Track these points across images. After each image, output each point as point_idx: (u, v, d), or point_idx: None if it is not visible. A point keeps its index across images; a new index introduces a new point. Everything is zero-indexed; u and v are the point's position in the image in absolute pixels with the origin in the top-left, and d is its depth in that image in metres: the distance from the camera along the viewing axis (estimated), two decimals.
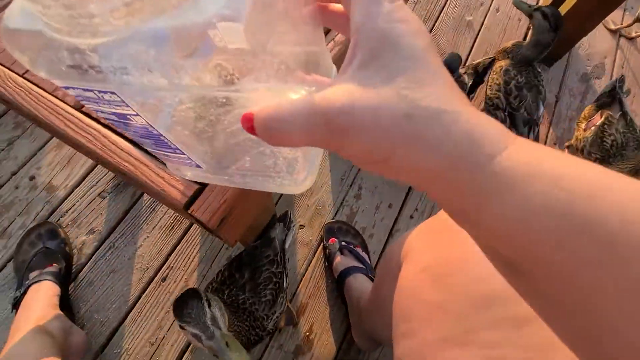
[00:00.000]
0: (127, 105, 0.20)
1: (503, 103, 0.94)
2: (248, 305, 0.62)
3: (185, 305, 0.45)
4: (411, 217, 0.96)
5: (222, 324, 0.45)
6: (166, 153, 0.26)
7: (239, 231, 0.42)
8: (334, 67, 0.28)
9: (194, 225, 0.90)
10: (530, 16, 0.91)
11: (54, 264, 0.76)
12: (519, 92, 0.92)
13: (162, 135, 0.23)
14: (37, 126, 0.39)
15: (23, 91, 0.35)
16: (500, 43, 1.25)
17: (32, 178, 0.90)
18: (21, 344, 0.59)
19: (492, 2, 1.34)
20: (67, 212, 0.88)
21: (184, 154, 0.26)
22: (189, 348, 0.78)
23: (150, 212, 0.90)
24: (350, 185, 0.99)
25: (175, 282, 0.84)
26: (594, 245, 0.12)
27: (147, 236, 0.88)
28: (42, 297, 0.69)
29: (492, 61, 1.00)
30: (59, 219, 0.87)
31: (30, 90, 0.35)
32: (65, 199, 0.89)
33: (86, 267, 0.83)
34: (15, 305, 0.70)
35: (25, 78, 0.36)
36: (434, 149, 0.15)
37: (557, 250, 0.13)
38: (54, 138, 0.95)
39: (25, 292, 0.71)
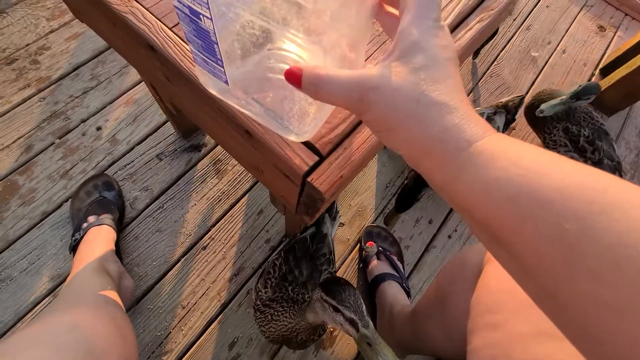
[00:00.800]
0: (208, 8, 0.23)
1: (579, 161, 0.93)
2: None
3: (342, 290, 0.45)
4: (449, 237, 0.97)
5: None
6: (207, 59, 0.29)
7: (320, 211, 0.44)
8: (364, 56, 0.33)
9: (239, 203, 0.92)
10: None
11: (109, 214, 0.80)
12: (594, 146, 0.90)
13: (216, 42, 0.26)
14: (172, 81, 0.42)
15: (171, 42, 0.38)
16: (562, 83, 1.25)
17: (98, 128, 0.95)
18: (85, 278, 0.62)
19: (559, 42, 1.34)
20: (125, 166, 0.92)
21: (222, 67, 0.29)
22: (217, 319, 0.80)
23: (201, 182, 0.93)
24: (394, 194, 1.00)
25: (214, 252, 0.86)
26: (548, 220, 0.15)
27: (195, 204, 0.91)
28: (103, 239, 0.73)
29: (522, 100, 0.97)
30: (117, 172, 0.91)
31: (177, 42, 0.38)
32: (126, 154, 0.93)
33: (135, 222, 0.87)
34: (74, 247, 0.74)
35: (173, 31, 0.39)
36: (428, 128, 0.19)
37: (522, 223, 0.16)
38: (125, 95, 1.00)
39: (83, 236, 0.75)
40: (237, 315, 0.81)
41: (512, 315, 0.32)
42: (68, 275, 0.75)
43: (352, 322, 0.44)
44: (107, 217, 0.78)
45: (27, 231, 0.82)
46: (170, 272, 0.83)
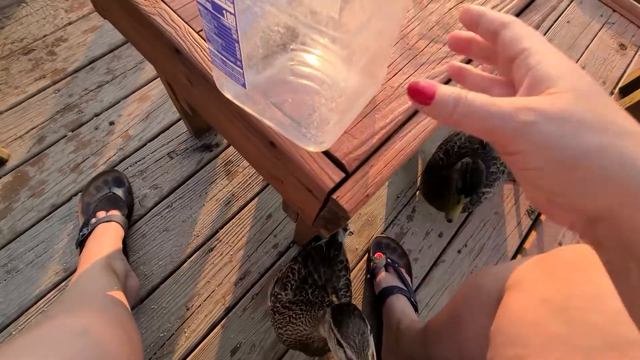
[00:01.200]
0: (232, 2, 0.22)
1: None
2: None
3: (351, 323, 0.43)
4: (459, 251, 0.95)
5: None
6: (225, 60, 0.28)
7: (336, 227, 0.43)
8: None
9: (248, 205, 0.91)
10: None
11: (118, 210, 0.79)
12: None
13: (237, 41, 0.25)
14: (194, 85, 0.41)
15: (198, 46, 0.37)
16: None
17: (111, 123, 0.95)
18: (92, 276, 0.61)
19: (579, 59, 1.32)
20: (136, 162, 0.91)
21: (241, 69, 0.27)
22: (221, 323, 0.79)
23: (211, 184, 0.92)
24: (405, 205, 0.98)
25: (221, 255, 0.85)
26: None
27: (204, 204, 0.90)
28: (111, 237, 0.72)
29: None
30: (127, 167, 0.90)
31: (204, 46, 0.37)
32: (137, 150, 0.93)
33: (142, 220, 0.86)
34: (81, 242, 0.73)
35: (200, 35, 0.38)
36: (628, 165, 0.15)
37: None
38: (139, 91, 1.00)
39: (91, 232, 0.74)
40: (241, 320, 0.80)
41: (536, 351, 0.30)
42: (74, 270, 0.74)
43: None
44: (115, 214, 0.78)
45: (35, 223, 0.82)
46: (176, 273, 0.82)
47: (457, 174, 0.72)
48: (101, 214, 0.77)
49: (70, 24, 1.05)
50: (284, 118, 0.31)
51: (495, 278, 0.42)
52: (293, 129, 0.31)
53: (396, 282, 0.82)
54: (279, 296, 0.63)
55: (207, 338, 0.77)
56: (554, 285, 0.34)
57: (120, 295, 0.59)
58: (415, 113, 0.38)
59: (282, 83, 0.30)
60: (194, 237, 0.86)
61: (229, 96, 0.34)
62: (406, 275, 0.85)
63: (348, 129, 0.35)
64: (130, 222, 0.84)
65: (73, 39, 1.03)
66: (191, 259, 0.84)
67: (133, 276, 0.74)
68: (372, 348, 0.42)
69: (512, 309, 0.36)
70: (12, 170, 0.86)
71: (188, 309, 0.79)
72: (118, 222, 0.77)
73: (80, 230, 0.76)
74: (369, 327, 0.44)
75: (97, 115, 0.95)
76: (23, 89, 0.94)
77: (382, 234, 0.93)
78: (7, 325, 0.73)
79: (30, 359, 0.31)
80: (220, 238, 0.87)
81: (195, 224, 0.87)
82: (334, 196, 0.33)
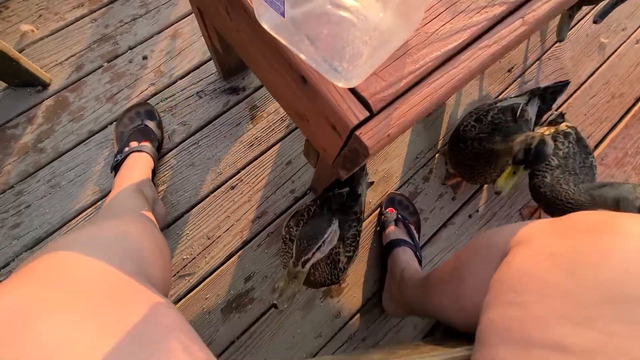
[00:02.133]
0: None
1: None
2: (334, 253, 0.66)
3: (315, 231, 0.49)
4: (470, 216, 0.97)
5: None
6: None
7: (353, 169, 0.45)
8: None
9: (270, 150, 0.95)
10: None
11: (149, 142, 0.84)
12: None
13: None
14: (232, 16, 0.42)
15: None
16: (627, 77, 1.15)
17: (144, 57, 0.97)
18: (125, 197, 0.68)
19: (635, 30, 1.21)
20: (167, 98, 0.95)
21: None
22: (238, 254, 0.86)
23: (236, 126, 0.96)
24: (422, 166, 0.99)
25: (241, 193, 0.91)
26: None
27: (228, 145, 0.94)
28: (142, 165, 0.78)
29: (564, 86, 0.87)
30: (158, 102, 0.94)
31: None
32: (168, 87, 0.96)
33: (171, 153, 0.91)
34: (116, 167, 0.79)
35: None
36: None
37: None
38: (172, 27, 1.00)
39: (124, 159, 0.80)
40: (255, 253, 0.87)
41: (535, 300, 0.32)
42: (109, 192, 0.82)
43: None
44: (147, 145, 0.83)
45: (75, 146, 0.88)
46: (200, 205, 0.89)
47: (521, 145, 0.65)
48: (133, 144, 0.83)
49: None
50: (317, 51, 0.32)
51: (505, 235, 0.44)
52: (325, 62, 0.33)
53: (404, 236, 0.86)
54: (291, 230, 0.68)
55: (224, 265, 0.85)
56: (563, 242, 0.35)
57: (150, 215, 0.65)
58: (445, 61, 0.39)
59: (319, 14, 0.31)
60: (218, 175, 0.91)
61: (266, 27, 0.35)
62: (414, 232, 0.89)
63: (377, 70, 0.36)
64: (159, 155, 0.89)
65: None
66: (214, 194, 0.90)
67: (160, 204, 0.81)
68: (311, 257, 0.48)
69: (516, 261, 0.38)
70: (54, 94, 0.91)
71: (209, 239, 0.87)
72: (148, 153, 0.82)
73: (115, 157, 0.82)
74: (328, 233, 0.49)
75: (131, 48, 0.97)
76: (62, 16, 0.97)
77: (396, 190, 0.95)
78: (52, 233, 0.83)
79: (84, 251, 0.36)
80: (242, 178, 0.92)
81: (219, 163, 0.92)
82: (357, 132, 0.35)
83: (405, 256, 0.81)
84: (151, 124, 0.87)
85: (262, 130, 0.96)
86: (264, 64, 0.44)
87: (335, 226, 0.51)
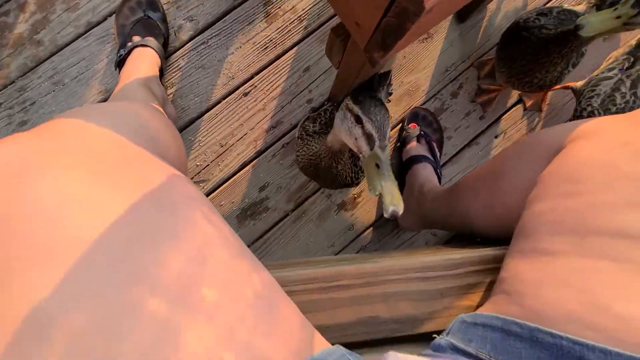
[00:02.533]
0: None
1: None
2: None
3: (373, 104, 0.39)
4: (496, 136, 0.91)
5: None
6: None
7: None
8: None
9: (286, 55, 0.86)
10: None
11: (153, 37, 0.76)
12: None
13: None
14: None
15: None
16: None
17: None
18: (133, 88, 0.63)
19: None
20: None
21: None
22: (252, 163, 0.84)
23: (249, 24, 0.85)
24: (452, 80, 0.91)
25: (255, 101, 0.85)
26: None
27: (240, 46, 0.85)
28: (148, 60, 0.71)
29: None
30: None
31: None
32: None
33: (178, 52, 0.83)
34: (120, 63, 0.73)
35: None
36: None
37: None
38: None
39: (128, 54, 0.73)
40: (270, 164, 0.85)
41: (599, 188, 0.29)
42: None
43: (370, 138, 0.39)
44: (151, 40, 0.75)
45: (74, 40, 0.81)
46: (212, 111, 0.84)
47: None
48: (136, 39, 0.75)
49: None
50: None
51: (560, 131, 0.40)
52: None
53: (425, 153, 0.82)
54: (307, 127, 0.64)
55: (238, 174, 0.84)
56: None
57: (161, 110, 0.61)
58: None
59: None
60: (230, 79, 0.84)
61: None
62: (437, 149, 0.84)
63: None
64: (166, 54, 0.82)
65: None
66: (226, 100, 0.84)
67: (170, 105, 0.76)
68: (388, 128, 0.39)
69: (577, 153, 0.34)
70: None
71: (222, 146, 0.84)
72: (154, 49, 0.74)
73: (118, 52, 0.75)
74: (388, 112, 0.40)
75: None
76: None
77: (421, 105, 0.89)
78: None
79: (98, 119, 0.32)
80: (256, 84, 0.85)
81: (231, 66, 0.84)
82: None
83: (425, 171, 0.78)
84: (154, 16, 0.78)
85: (277, 31, 0.86)
86: None
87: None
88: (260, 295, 0.26)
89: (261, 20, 0.86)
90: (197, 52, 0.84)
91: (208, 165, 0.83)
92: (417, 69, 0.90)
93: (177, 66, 0.83)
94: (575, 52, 0.62)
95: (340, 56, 0.61)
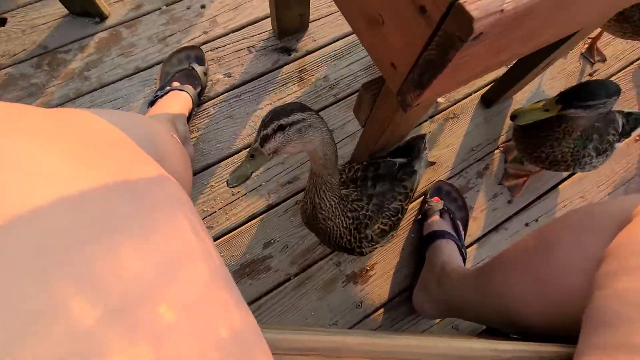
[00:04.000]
0: None
1: None
2: (362, 216, 0.58)
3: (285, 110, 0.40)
4: (527, 224, 0.84)
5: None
6: None
7: (441, 89, 0.37)
8: None
9: None
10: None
11: (192, 85, 0.80)
12: None
13: None
14: None
15: None
16: None
17: (203, 6, 0.95)
18: (155, 120, 0.63)
19: None
20: (217, 48, 0.91)
21: None
22: (261, 216, 0.79)
23: (282, 85, 0.90)
24: (478, 160, 0.88)
25: None
26: None
27: (271, 103, 0.88)
28: (180, 102, 0.74)
29: None
30: (208, 51, 0.91)
31: None
32: (220, 37, 0.93)
33: (211, 102, 0.87)
34: (153, 102, 0.76)
35: None
36: None
37: None
38: None
39: (163, 95, 0.76)
40: (280, 219, 0.79)
41: None
42: None
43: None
44: (189, 87, 0.79)
45: (119, 79, 0.86)
46: (230, 159, 0.83)
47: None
48: (176, 84, 0.79)
49: None
50: None
51: (621, 204, 0.34)
52: None
53: (448, 229, 0.75)
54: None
55: (245, 225, 0.78)
56: None
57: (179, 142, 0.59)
58: None
59: None
60: (254, 130, 0.85)
61: None
62: (461, 228, 0.77)
63: None
64: (200, 101, 0.85)
65: None
66: (247, 149, 0.84)
67: (190, 144, 0.76)
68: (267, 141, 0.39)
69: None
70: (109, 28, 0.90)
71: (233, 194, 0.80)
72: (189, 94, 0.78)
73: (155, 93, 0.79)
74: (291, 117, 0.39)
75: None
76: None
77: (445, 180, 0.85)
78: None
79: (100, 114, 0.30)
80: None
81: (258, 119, 0.86)
82: (461, 1, 0.26)
83: (448, 248, 0.70)
84: (198, 69, 0.84)
85: (307, 95, 0.90)
86: None
87: (313, 119, 0.41)
88: (235, 337, 0.19)
89: (294, 84, 0.90)
90: (229, 103, 0.87)
91: (215, 212, 0.78)
92: (441, 145, 0.89)
93: (207, 113, 0.86)
94: (576, 131, 0.62)
95: (368, 111, 0.60)
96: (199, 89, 0.82)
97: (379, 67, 0.43)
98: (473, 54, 0.31)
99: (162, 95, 0.77)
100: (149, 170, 0.24)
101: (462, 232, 0.78)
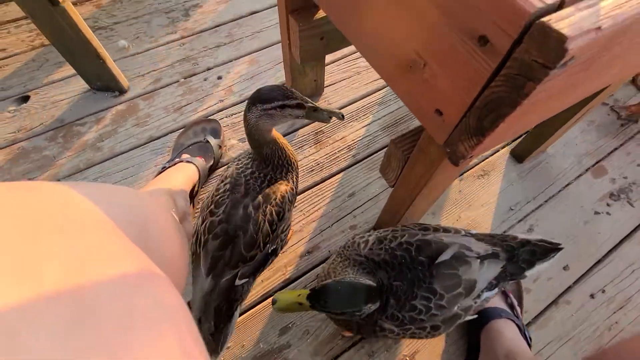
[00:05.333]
0: None
1: None
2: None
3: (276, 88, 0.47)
4: (592, 296, 0.70)
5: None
6: None
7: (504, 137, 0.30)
8: None
9: (332, 179, 0.82)
10: None
11: (204, 159, 0.77)
12: None
13: None
14: None
15: None
16: None
17: (219, 77, 0.97)
18: (149, 196, 0.56)
19: None
20: (232, 115, 0.91)
21: None
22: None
23: (298, 148, 0.86)
24: (519, 221, 0.78)
25: (293, 221, 0.76)
26: None
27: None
28: (183, 176, 0.69)
29: (552, 250, 0.52)
30: (223, 118, 0.90)
31: None
32: (236, 104, 0.92)
33: (224, 168, 0.82)
34: (159, 174, 0.72)
35: None
36: None
37: None
38: (250, 55, 1.02)
39: (171, 166, 0.72)
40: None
41: None
42: None
43: (299, 105, 0.47)
44: (199, 160, 0.75)
45: (132, 149, 0.84)
46: None
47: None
48: (185, 156, 0.75)
49: None
50: None
51: None
52: None
53: (503, 306, 0.62)
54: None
55: (258, 306, 0.67)
56: None
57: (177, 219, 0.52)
58: None
59: None
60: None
61: None
62: (515, 303, 0.64)
63: None
64: (211, 175, 0.81)
65: (207, 6, 1.12)
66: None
67: (189, 222, 0.67)
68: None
69: None
70: (127, 100, 0.92)
71: None
72: (197, 167, 0.73)
73: (164, 164, 0.75)
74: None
75: (209, 69, 0.99)
76: (156, 39, 1.04)
77: None
78: None
79: (85, 189, 0.24)
80: (296, 204, 0.78)
81: None
82: (545, 19, 0.21)
83: (510, 332, 0.57)
84: (213, 142, 0.80)
85: (325, 157, 0.85)
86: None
87: None
88: None
89: (311, 146, 0.87)
90: None
91: None
92: (474, 205, 0.80)
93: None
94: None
95: (399, 170, 0.54)
96: (211, 162, 0.78)
97: (418, 117, 0.37)
98: (551, 88, 0.25)
99: (170, 167, 0.73)
100: (125, 267, 0.17)
101: (518, 309, 0.64)
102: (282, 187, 0.55)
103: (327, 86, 0.96)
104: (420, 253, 0.49)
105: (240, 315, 0.65)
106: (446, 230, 0.53)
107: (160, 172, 0.73)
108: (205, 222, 0.53)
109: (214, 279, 0.50)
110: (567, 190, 0.82)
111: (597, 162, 0.87)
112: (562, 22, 0.21)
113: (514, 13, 0.22)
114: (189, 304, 0.54)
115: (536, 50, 0.22)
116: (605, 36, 0.21)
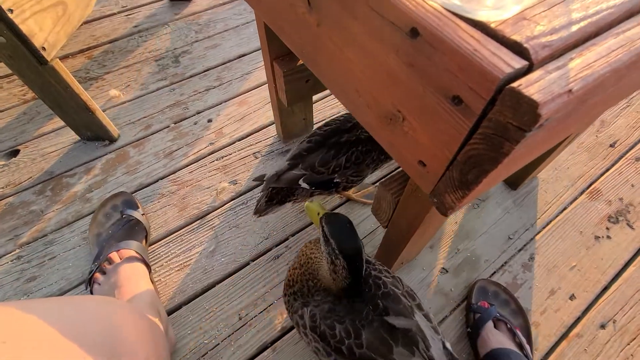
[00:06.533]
0: None
1: None
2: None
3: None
4: (603, 326, 0.67)
5: None
6: None
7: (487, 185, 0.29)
8: None
9: None
10: None
11: (135, 240, 0.69)
12: None
13: None
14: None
15: None
16: None
17: (209, 120, 0.98)
18: (120, 307, 0.47)
19: None
20: (223, 157, 0.90)
21: None
22: (274, 345, 0.65)
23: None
24: (519, 250, 0.77)
25: (287, 264, 0.74)
26: None
27: (279, 207, 0.82)
28: (140, 277, 0.64)
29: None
30: (214, 161, 0.90)
31: None
32: (226, 146, 0.93)
33: (215, 212, 0.81)
34: (90, 281, 0.65)
35: None
36: None
37: None
38: (240, 96, 1.04)
39: (111, 274, 0.63)
40: (297, 347, 0.64)
41: None
42: None
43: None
44: (134, 244, 0.67)
45: None
46: (236, 274, 0.73)
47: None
48: (113, 255, 0.65)
49: (196, 41, 1.19)
50: None
51: None
52: None
53: (511, 346, 0.59)
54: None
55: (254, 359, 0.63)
56: None
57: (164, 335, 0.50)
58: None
59: None
60: (263, 239, 0.77)
61: None
62: (523, 340, 0.61)
63: (527, 14, 0.24)
64: (147, 244, 0.73)
65: (196, 52, 1.15)
66: (255, 262, 0.74)
67: (171, 329, 0.64)
68: None
69: None
70: (117, 149, 0.92)
71: (240, 319, 0.67)
72: (139, 258, 0.66)
73: (91, 265, 0.66)
74: None
75: (199, 112, 1.00)
76: (146, 86, 1.06)
77: (488, 278, 0.72)
78: (66, 292, 0.70)
79: (55, 319, 0.23)
80: (290, 246, 0.76)
81: (266, 226, 0.79)
82: (515, 85, 0.21)
83: None
84: (134, 214, 0.73)
85: (318, 197, 0.84)
86: (351, 49, 0.34)
87: None
88: None
89: None
90: (234, 211, 0.81)
91: (218, 344, 0.64)
92: (471, 235, 0.78)
93: (211, 225, 0.79)
94: None
95: (390, 212, 0.53)
96: (144, 234, 0.72)
97: (403, 167, 0.36)
98: (531, 142, 0.25)
99: (103, 271, 0.64)
100: None
101: (527, 347, 0.61)
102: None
103: (317, 123, 0.97)
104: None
105: (266, 348, 0.62)
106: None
107: (89, 280, 0.64)
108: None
109: (289, 166, 0.64)
110: (564, 215, 0.81)
111: (590, 184, 0.86)
112: (532, 87, 0.20)
113: (483, 77, 0.22)
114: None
115: (510, 114, 0.22)
116: (578, 97, 0.21)
